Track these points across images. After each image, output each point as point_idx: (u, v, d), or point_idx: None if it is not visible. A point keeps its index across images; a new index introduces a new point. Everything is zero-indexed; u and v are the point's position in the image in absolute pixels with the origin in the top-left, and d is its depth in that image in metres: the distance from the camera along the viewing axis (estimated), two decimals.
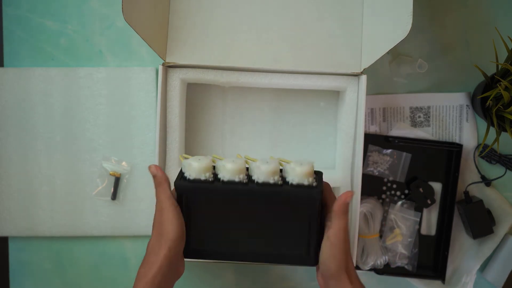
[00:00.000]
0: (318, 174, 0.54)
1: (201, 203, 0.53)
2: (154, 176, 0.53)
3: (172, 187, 0.54)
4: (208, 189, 0.51)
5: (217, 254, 0.54)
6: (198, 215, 0.53)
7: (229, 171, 0.51)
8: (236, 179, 0.51)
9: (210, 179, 0.52)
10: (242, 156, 0.54)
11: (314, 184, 0.51)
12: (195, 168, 0.51)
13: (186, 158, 0.53)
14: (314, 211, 0.52)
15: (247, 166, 0.53)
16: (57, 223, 0.74)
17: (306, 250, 0.53)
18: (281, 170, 0.53)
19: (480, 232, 0.73)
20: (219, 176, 0.52)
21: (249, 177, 0.53)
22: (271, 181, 0.51)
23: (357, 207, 0.65)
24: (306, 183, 0.51)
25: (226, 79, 0.67)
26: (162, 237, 0.50)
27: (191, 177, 0.52)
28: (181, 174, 0.53)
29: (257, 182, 0.51)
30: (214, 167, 0.53)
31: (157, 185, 0.53)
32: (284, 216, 0.53)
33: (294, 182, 0.51)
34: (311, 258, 0.53)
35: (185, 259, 0.54)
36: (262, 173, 0.51)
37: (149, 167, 0.54)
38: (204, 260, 0.56)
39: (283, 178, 0.52)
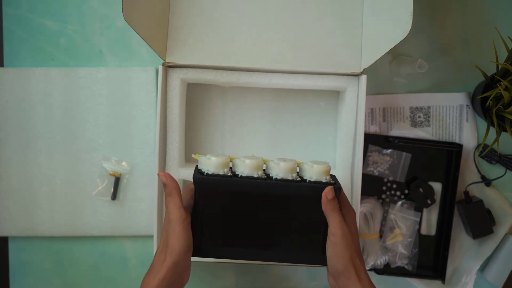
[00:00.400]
0: (333, 176, 0.55)
1: (217, 201, 0.52)
2: (164, 185, 0.52)
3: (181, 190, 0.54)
4: (228, 183, 0.51)
5: (231, 253, 0.54)
6: (213, 214, 0.53)
7: (248, 166, 0.51)
8: (255, 175, 0.51)
9: (229, 174, 0.52)
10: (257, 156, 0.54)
11: (332, 181, 0.52)
12: (214, 163, 0.51)
13: (199, 156, 0.53)
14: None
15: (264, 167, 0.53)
16: (57, 223, 0.74)
17: (318, 249, 0.53)
18: (297, 173, 0.53)
19: (480, 232, 0.73)
20: (237, 172, 0.52)
21: (267, 175, 0.53)
22: (290, 178, 0.51)
23: (357, 207, 0.65)
24: (324, 180, 0.52)
25: (226, 79, 0.67)
26: (168, 248, 0.50)
27: (210, 172, 0.51)
28: (198, 170, 0.53)
29: (275, 179, 0.51)
30: (230, 167, 0.53)
31: (167, 194, 0.52)
32: (301, 214, 0.53)
33: (312, 179, 0.52)
34: (324, 257, 0.53)
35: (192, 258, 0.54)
36: (281, 169, 0.51)
37: (159, 175, 0.53)
38: (218, 259, 0.56)
39: (300, 177, 0.53)
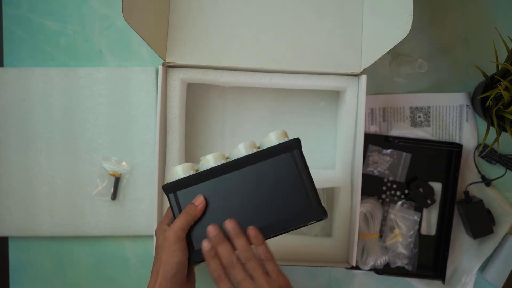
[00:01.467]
0: (294, 139, 0.55)
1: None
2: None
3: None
4: (194, 178, 0.52)
5: None
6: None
7: (210, 159, 0.53)
8: (218, 163, 0.53)
9: (194, 173, 0.53)
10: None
11: (287, 139, 0.54)
12: (178, 170, 0.53)
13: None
14: (300, 163, 0.53)
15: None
16: (57, 223, 0.74)
17: (307, 204, 0.53)
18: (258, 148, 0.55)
19: (480, 232, 0.73)
20: (202, 169, 0.54)
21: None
22: (251, 152, 0.53)
23: (357, 207, 0.65)
24: (282, 141, 0.53)
25: (226, 79, 0.67)
26: (158, 275, 0.50)
27: (179, 177, 0.53)
28: (166, 184, 0.54)
29: (239, 157, 0.53)
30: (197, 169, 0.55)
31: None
32: (275, 181, 0.53)
33: (272, 143, 0.53)
34: (316, 209, 0.52)
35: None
36: (240, 150, 0.53)
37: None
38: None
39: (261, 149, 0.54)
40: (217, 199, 0.53)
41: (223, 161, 0.53)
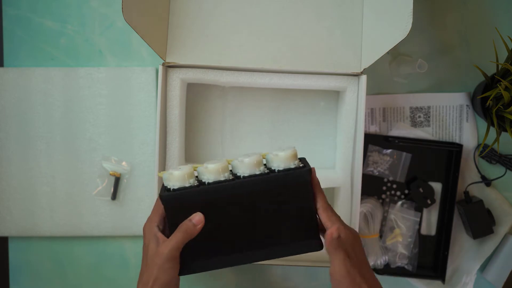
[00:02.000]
0: (302, 160, 0.52)
1: (190, 214, 0.50)
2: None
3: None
4: (195, 194, 0.49)
5: (219, 262, 0.52)
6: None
7: (212, 171, 0.49)
8: (222, 178, 0.50)
9: (195, 184, 0.50)
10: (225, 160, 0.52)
11: (301, 165, 0.50)
12: (177, 176, 0.49)
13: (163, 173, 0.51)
14: (306, 193, 0.51)
15: (230, 167, 0.51)
16: (57, 223, 0.74)
17: (306, 235, 0.52)
18: (265, 165, 0.52)
19: (480, 232, 0.73)
20: (203, 180, 0.50)
21: (234, 175, 0.51)
22: (257, 172, 0.50)
23: (357, 207, 0.65)
24: (292, 166, 0.50)
25: (226, 79, 0.67)
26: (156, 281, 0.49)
27: (175, 187, 0.49)
28: (164, 188, 0.51)
29: (243, 177, 0.50)
30: (196, 177, 0.51)
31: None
32: (278, 206, 0.51)
33: (281, 168, 0.50)
34: (313, 242, 0.52)
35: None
36: (246, 166, 0.49)
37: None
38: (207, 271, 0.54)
39: (268, 168, 0.51)
40: (215, 215, 0.51)
41: (226, 174, 0.50)
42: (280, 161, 0.50)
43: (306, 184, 0.50)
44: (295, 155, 0.51)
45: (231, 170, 0.51)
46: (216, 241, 0.52)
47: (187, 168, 0.50)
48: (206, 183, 0.50)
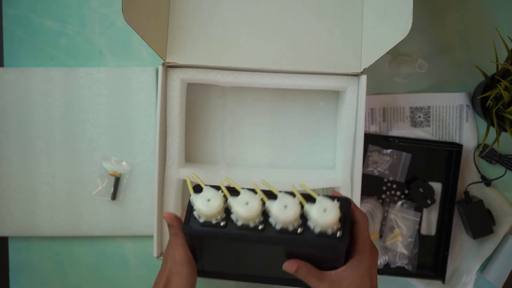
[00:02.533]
0: (343, 207, 0.46)
1: (212, 245, 0.50)
2: (170, 225, 0.51)
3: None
4: (221, 233, 0.47)
5: (237, 277, 0.55)
6: (210, 253, 0.51)
7: (242, 217, 0.46)
8: (251, 224, 0.46)
9: (222, 224, 0.47)
10: (257, 184, 0.48)
11: (339, 234, 0.45)
12: (208, 212, 0.46)
13: (193, 184, 0.49)
14: (336, 261, 0.47)
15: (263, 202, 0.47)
16: (57, 223, 0.74)
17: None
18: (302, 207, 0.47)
19: (480, 232, 0.73)
20: (232, 216, 0.47)
21: (265, 218, 0.47)
22: (290, 228, 0.46)
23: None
24: (329, 232, 0.45)
25: (226, 79, 0.67)
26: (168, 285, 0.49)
27: (201, 220, 0.47)
28: (190, 211, 0.48)
29: (274, 229, 0.46)
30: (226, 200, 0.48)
31: (172, 234, 0.51)
32: (305, 255, 0.48)
33: (316, 231, 0.45)
34: None
35: None
36: (281, 222, 0.45)
37: (164, 216, 0.51)
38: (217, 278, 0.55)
39: (304, 221, 0.46)
40: (238, 250, 0.50)
41: (257, 221, 0.46)
42: (319, 224, 0.45)
43: (338, 255, 0.47)
44: (336, 221, 0.45)
45: (264, 211, 0.47)
46: (236, 267, 0.54)
47: (215, 204, 0.46)
48: (235, 223, 0.47)
